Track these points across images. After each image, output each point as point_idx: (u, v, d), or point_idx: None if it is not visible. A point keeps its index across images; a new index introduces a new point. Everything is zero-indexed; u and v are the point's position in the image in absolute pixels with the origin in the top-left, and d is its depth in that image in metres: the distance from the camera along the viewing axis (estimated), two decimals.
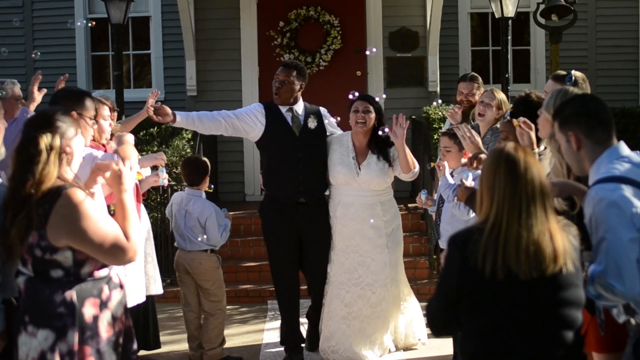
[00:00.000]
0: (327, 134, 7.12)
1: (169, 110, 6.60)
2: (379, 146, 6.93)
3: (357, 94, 6.97)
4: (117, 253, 3.78)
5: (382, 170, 6.91)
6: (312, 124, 7.00)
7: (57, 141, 3.78)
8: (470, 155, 5.74)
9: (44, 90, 6.94)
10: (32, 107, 7.07)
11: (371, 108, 6.84)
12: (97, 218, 3.74)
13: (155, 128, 10.98)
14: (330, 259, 7.04)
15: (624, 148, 3.88)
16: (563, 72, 6.04)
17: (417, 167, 6.89)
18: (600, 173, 3.78)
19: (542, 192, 3.36)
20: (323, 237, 7.03)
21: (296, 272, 7.15)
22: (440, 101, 10.11)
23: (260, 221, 7.25)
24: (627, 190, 3.66)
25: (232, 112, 6.95)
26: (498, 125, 6.70)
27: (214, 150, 11.69)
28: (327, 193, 7.16)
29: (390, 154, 6.94)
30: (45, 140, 3.75)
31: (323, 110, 7.23)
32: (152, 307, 7.20)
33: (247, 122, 6.94)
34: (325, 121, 7.14)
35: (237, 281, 9.68)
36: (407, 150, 6.76)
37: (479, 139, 5.84)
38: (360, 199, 6.94)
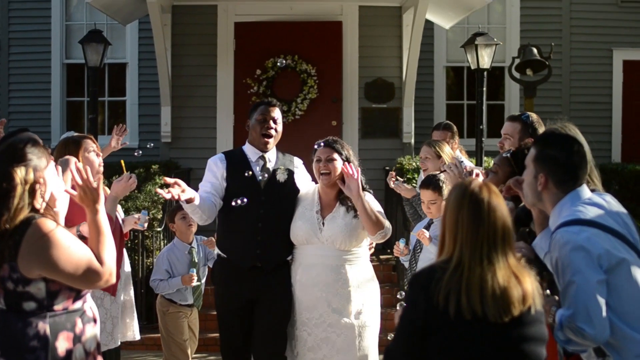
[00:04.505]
0: (299, 188, 6.10)
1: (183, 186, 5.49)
2: (348, 198, 5.80)
3: (322, 143, 5.93)
4: (92, 278, 3.73)
5: (348, 226, 5.77)
6: (281, 176, 6.00)
7: (30, 175, 3.72)
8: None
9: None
10: None
11: (335, 156, 5.79)
12: (67, 245, 3.68)
13: (128, 173, 10.90)
14: (292, 335, 5.87)
15: (585, 191, 3.89)
16: (517, 113, 6.14)
17: (386, 227, 5.74)
18: (564, 216, 3.77)
19: (504, 236, 3.33)
20: (277, 312, 5.86)
21: (247, 354, 6.08)
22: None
23: None
24: (592, 233, 3.65)
25: (206, 192, 5.87)
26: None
27: None
28: (289, 258, 6.03)
29: None
30: (19, 174, 3.69)
31: (297, 161, 6.27)
32: (116, 355, 7.05)
33: (218, 188, 5.91)
34: (296, 175, 6.11)
35: (206, 329, 9.51)
36: (368, 206, 5.68)
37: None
38: (323, 259, 5.79)
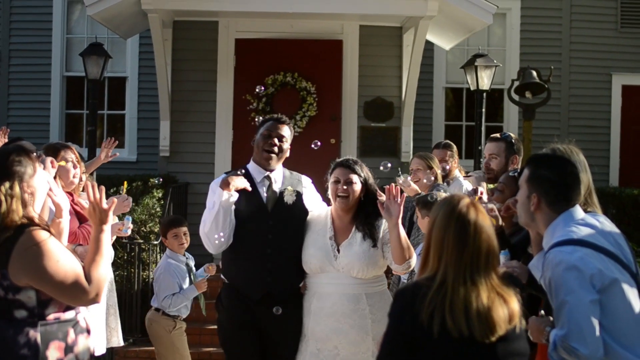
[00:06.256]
0: (308, 210, 5.68)
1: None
2: (366, 222, 5.42)
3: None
4: (77, 294, 3.72)
5: (366, 253, 5.34)
6: (289, 198, 5.56)
7: (16, 188, 3.73)
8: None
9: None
10: None
11: (355, 178, 5.41)
12: (57, 257, 3.68)
13: (126, 185, 10.92)
14: None
15: (578, 212, 3.92)
16: (497, 135, 6.34)
17: (414, 257, 5.31)
18: (557, 236, 3.79)
19: (487, 257, 3.34)
20: (290, 344, 5.48)
21: None
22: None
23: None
24: (585, 253, 3.67)
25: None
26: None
27: (184, 211, 11.61)
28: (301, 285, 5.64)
29: (379, 234, 5.42)
30: (3, 190, 3.70)
31: (306, 180, 5.81)
32: None
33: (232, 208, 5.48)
34: (305, 195, 5.68)
35: (201, 344, 9.50)
36: (403, 234, 5.23)
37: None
38: (339, 288, 5.34)
